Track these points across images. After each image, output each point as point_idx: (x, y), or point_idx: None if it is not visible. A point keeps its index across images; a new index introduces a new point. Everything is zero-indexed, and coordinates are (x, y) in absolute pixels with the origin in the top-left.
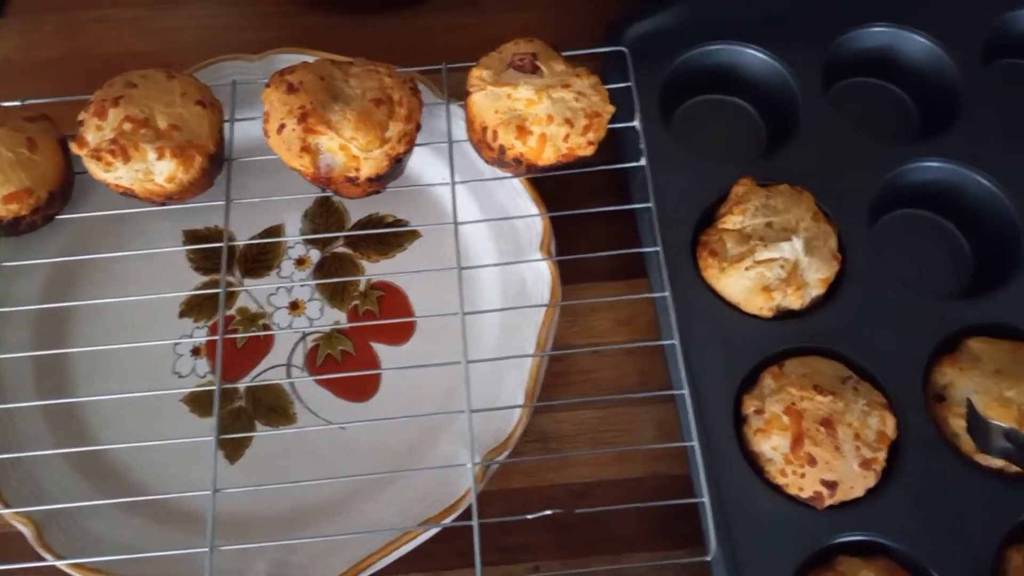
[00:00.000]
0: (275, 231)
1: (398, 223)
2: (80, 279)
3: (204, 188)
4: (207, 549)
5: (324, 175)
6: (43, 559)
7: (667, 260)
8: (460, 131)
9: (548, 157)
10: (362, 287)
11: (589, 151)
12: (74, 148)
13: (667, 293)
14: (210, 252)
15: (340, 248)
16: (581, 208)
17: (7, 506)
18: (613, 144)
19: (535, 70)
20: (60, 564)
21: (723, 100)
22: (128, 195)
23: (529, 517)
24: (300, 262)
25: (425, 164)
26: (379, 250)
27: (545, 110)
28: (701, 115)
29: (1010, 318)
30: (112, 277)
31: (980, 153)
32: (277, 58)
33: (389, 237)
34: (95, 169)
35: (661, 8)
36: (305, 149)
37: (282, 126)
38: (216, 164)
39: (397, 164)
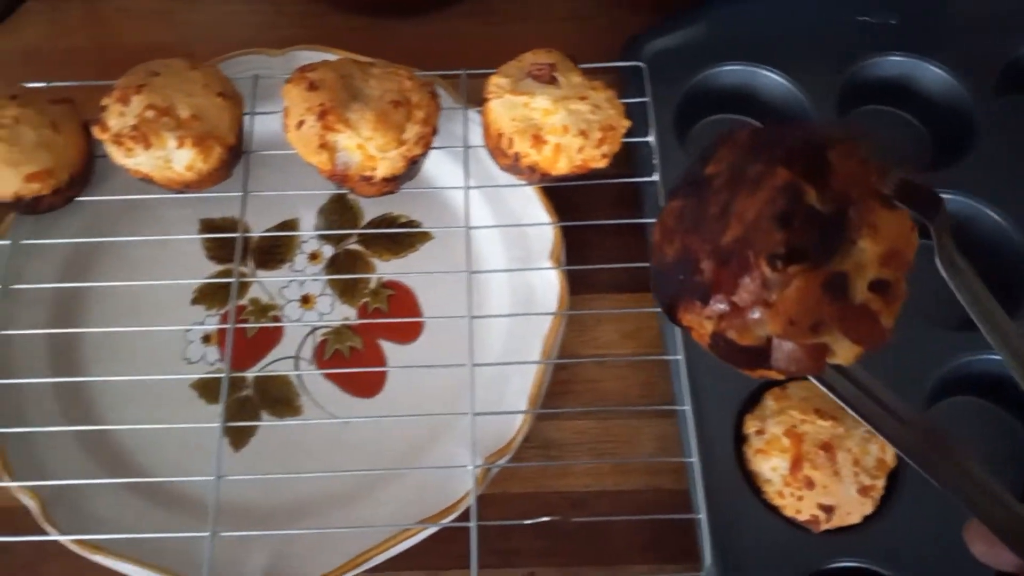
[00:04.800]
0: (290, 225)
1: (411, 224)
2: (95, 262)
3: (222, 178)
4: (208, 534)
5: (341, 172)
6: (47, 534)
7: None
8: (475, 137)
9: (562, 167)
10: (373, 285)
11: (603, 163)
12: (96, 132)
13: None
14: (225, 242)
15: (353, 245)
16: (592, 219)
17: (14, 480)
18: (627, 158)
19: (552, 81)
20: (64, 539)
21: (738, 120)
22: (147, 181)
23: (527, 523)
24: (313, 257)
25: (440, 167)
26: (391, 249)
27: (561, 121)
28: (709, 134)
29: None
30: (127, 261)
31: (990, 186)
32: (298, 55)
33: (401, 237)
34: (116, 154)
35: (680, 26)
36: (323, 146)
37: (301, 122)
38: (235, 156)
39: (413, 166)
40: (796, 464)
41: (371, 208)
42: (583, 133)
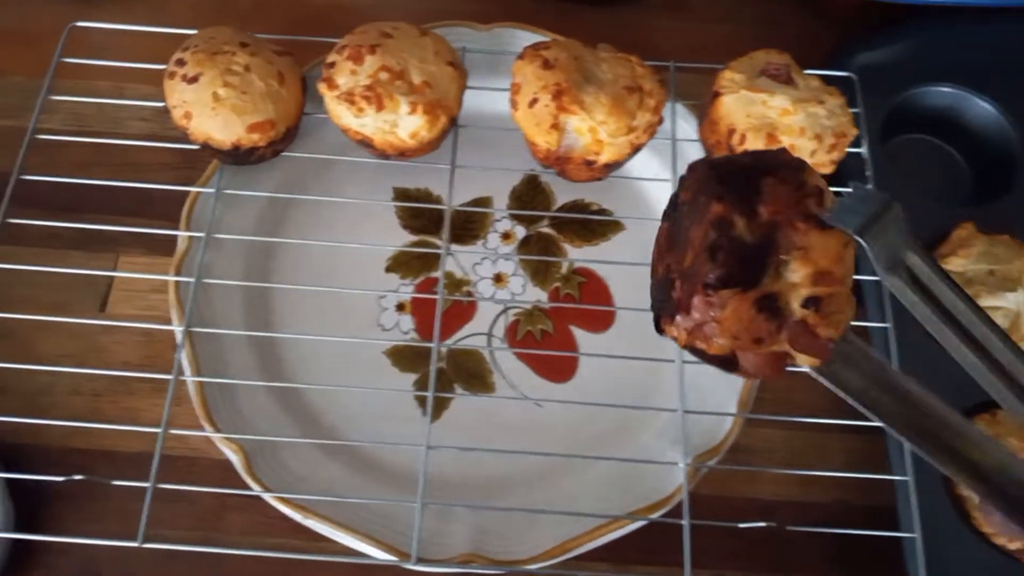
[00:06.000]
0: (484, 202)
1: (603, 212)
2: (290, 218)
3: (433, 149)
4: (418, 504)
5: (563, 154)
6: (237, 486)
7: (886, 292)
8: (679, 131)
9: None
10: (564, 270)
11: (829, 170)
12: (321, 88)
13: (889, 324)
14: (419, 212)
15: (545, 228)
16: None
17: (218, 432)
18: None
19: (790, 81)
20: (267, 496)
21: (928, 142)
22: (363, 144)
23: (741, 526)
24: (505, 236)
25: (637, 158)
26: (583, 236)
27: (798, 122)
28: (904, 154)
29: None
30: (321, 221)
31: None
32: (505, 31)
33: (593, 225)
34: (342, 112)
35: (888, 42)
36: (555, 126)
37: (535, 100)
38: (451, 128)
39: (633, 154)
40: None
41: (563, 193)
42: (818, 137)
